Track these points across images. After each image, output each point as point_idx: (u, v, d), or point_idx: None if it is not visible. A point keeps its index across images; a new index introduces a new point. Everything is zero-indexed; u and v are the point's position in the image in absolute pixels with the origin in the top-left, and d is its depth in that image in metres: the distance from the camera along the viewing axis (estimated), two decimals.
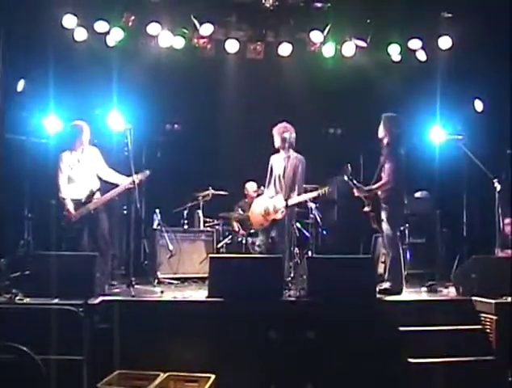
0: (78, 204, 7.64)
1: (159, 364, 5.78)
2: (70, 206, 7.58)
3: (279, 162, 7.87)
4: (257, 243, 8.20)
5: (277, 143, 7.83)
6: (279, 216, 7.66)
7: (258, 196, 9.48)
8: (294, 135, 7.78)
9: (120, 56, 8.92)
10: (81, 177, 7.78)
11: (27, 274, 6.60)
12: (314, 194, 7.63)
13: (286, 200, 7.57)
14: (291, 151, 7.79)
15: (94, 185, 7.82)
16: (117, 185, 7.77)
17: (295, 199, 7.62)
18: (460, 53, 9.09)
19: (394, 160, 7.41)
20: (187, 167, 10.13)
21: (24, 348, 5.16)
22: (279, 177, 7.80)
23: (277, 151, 7.94)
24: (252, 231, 9.24)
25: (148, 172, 7.83)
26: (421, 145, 9.31)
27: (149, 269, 8.92)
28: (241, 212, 9.66)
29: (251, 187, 10.13)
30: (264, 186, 8.23)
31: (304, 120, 8.68)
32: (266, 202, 7.88)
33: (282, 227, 7.63)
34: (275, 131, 7.83)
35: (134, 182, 7.46)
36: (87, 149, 7.89)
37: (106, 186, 7.96)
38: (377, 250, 9.25)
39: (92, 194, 7.73)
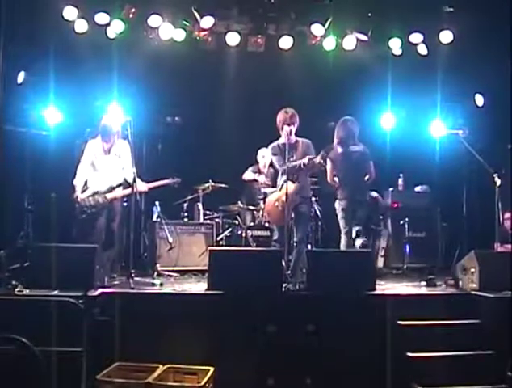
0: (96, 194, 7.64)
1: (158, 357, 5.79)
2: (78, 193, 7.58)
3: (284, 151, 7.58)
4: (274, 238, 8.06)
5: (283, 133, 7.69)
6: (293, 203, 7.53)
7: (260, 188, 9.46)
8: (297, 119, 7.69)
9: (121, 49, 8.88)
10: (105, 169, 7.75)
11: (27, 266, 6.58)
12: (318, 157, 7.39)
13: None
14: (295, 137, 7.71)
15: (116, 180, 7.78)
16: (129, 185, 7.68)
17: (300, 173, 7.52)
18: (461, 48, 9.09)
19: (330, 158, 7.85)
20: (187, 160, 10.11)
21: (23, 340, 5.19)
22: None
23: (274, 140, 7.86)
24: (252, 224, 9.22)
25: (179, 179, 8.02)
26: (421, 139, 9.38)
27: (149, 261, 8.88)
28: (241, 205, 9.60)
29: (264, 155, 9.75)
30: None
31: (305, 113, 8.64)
32: (277, 194, 7.80)
33: (301, 218, 7.64)
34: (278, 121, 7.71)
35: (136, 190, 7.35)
36: (118, 143, 7.83)
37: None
38: (376, 244, 9.27)
39: (112, 188, 7.72)
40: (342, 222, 7.94)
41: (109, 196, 7.68)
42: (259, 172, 9.76)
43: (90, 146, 7.79)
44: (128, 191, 7.67)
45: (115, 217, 7.81)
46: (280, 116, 7.68)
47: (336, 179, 8.01)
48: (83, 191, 7.64)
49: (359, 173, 7.97)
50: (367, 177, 8.03)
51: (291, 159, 7.54)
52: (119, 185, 7.81)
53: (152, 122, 9.90)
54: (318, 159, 7.36)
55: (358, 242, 7.88)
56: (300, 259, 7.46)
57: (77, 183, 7.65)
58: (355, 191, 7.91)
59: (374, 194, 8.35)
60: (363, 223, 7.99)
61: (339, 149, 7.98)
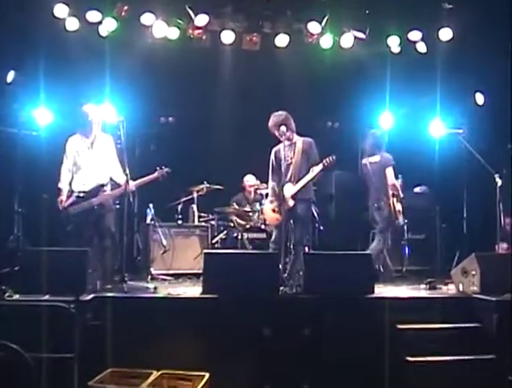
0: (82, 196, 7.35)
1: (152, 362, 5.68)
2: (63, 196, 7.34)
3: (283, 152, 7.58)
4: (271, 239, 7.99)
5: (279, 136, 7.63)
6: (290, 203, 7.49)
7: (256, 190, 9.55)
8: (292, 121, 7.62)
9: (113, 47, 8.84)
10: (89, 166, 7.42)
11: (17, 270, 6.50)
12: (320, 167, 7.43)
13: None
14: (296, 137, 7.68)
15: (103, 178, 7.46)
16: (118, 184, 7.48)
17: (301, 182, 7.47)
18: (461, 45, 9.09)
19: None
20: (182, 161, 9.98)
21: (14, 346, 5.09)
22: (287, 166, 7.55)
23: (278, 142, 7.77)
24: (248, 226, 9.18)
25: (168, 170, 7.74)
26: (420, 139, 9.38)
27: (142, 265, 8.84)
28: (237, 207, 9.54)
29: (248, 180, 10.08)
30: (265, 182, 8.16)
31: (301, 114, 8.61)
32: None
33: (299, 219, 7.57)
34: (272, 125, 7.63)
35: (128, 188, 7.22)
36: (100, 137, 7.53)
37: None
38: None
39: (99, 188, 7.41)
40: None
41: (95, 201, 7.37)
42: (246, 199, 9.95)
43: (70, 143, 7.50)
44: (116, 192, 7.50)
45: (106, 220, 7.46)
46: (272, 121, 7.64)
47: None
48: (68, 197, 7.39)
49: (377, 182, 8.33)
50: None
51: (288, 159, 7.54)
52: (105, 185, 7.49)
53: (145, 122, 9.84)
54: (320, 167, 7.46)
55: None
56: (297, 262, 7.39)
57: (63, 186, 7.44)
58: (373, 200, 8.42)
59: (395, 203, 8.40)
60: (381, 228, 8.33)
61: (364, 161, 8.56)
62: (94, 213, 7.36)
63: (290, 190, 7.45)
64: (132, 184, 7.40)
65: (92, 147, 7.48)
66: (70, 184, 7.45)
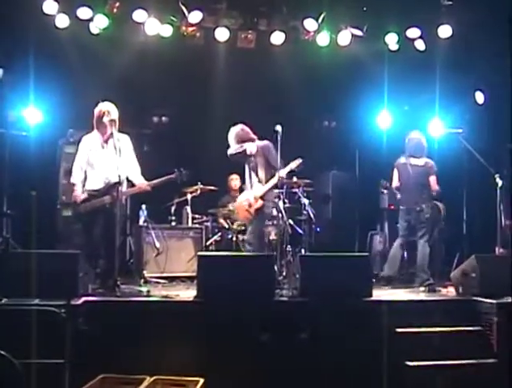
0: (93, 194, 7.18)
1: (145, 368, 5.60)
2: (79, 191, 7.19)
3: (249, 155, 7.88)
4: (246, 240, 8.09)
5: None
6: (258, 204, 7.64)
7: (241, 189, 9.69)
8: (245, 130, 7.86)
9: (105, 45, 8.78)
10: (103, 164, 7.25)
11: (6, 273, 6.29)
12: (286, 169, 7.59)
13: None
14: (256, 141, 7.82)
15: (116, 177, 7.15)
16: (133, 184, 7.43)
17: (269, 183, 7.59)
18: (461, 43, 9.01)
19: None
20: (175, 161, 9.87)
21: (2, 352, 4.87)
22: (251, 169, 7.86)
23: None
24: (243, 228, 9.09)
25: (186, 172, 7.71)
26: None
27: (135, 268, 8.74)
28: (231, 208, 9.46)
29: (232, 179, 10.20)
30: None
31: (297, 113, 8.55)
32: (247, 194, 7.88)
33: (261, 219, 7.76)
34: (233, 141, 7.91)
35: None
36: (116, 136, 7.30)
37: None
38: (373, 248, 9.12)
39: (111, 186, 7.18)
40: (399, 227, 8.39)
41: (107, 199, 7.19)
42: (233, 199, 9.91)
43: (85, 141, 7.36)
44: (129, 191, 7.46)
45: (115, 222, 7.11)
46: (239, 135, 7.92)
47: (398, 185, 8.44)
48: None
49: (417, 185, 8.18)
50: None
51: (251, 162, 7.89)
52: (119, 183, 7.17)
53: (138, 122, 9.71)
54: (287, 170, 7.66)
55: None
56: (289, 266, 7.58)
57: (76, 181, 7.28)
58: (411, 201, 8.17)
59: (439, 204, 8.52)
60: (426, 231, 8.12)
61: (403, 160, 8.36)
62: (104, 212, 7.19)
63: (258, 191, 7.63)
64: (148, 184, 7.38)
65: (106, 146, 7.33)
66: (83, 182, 7.32)
